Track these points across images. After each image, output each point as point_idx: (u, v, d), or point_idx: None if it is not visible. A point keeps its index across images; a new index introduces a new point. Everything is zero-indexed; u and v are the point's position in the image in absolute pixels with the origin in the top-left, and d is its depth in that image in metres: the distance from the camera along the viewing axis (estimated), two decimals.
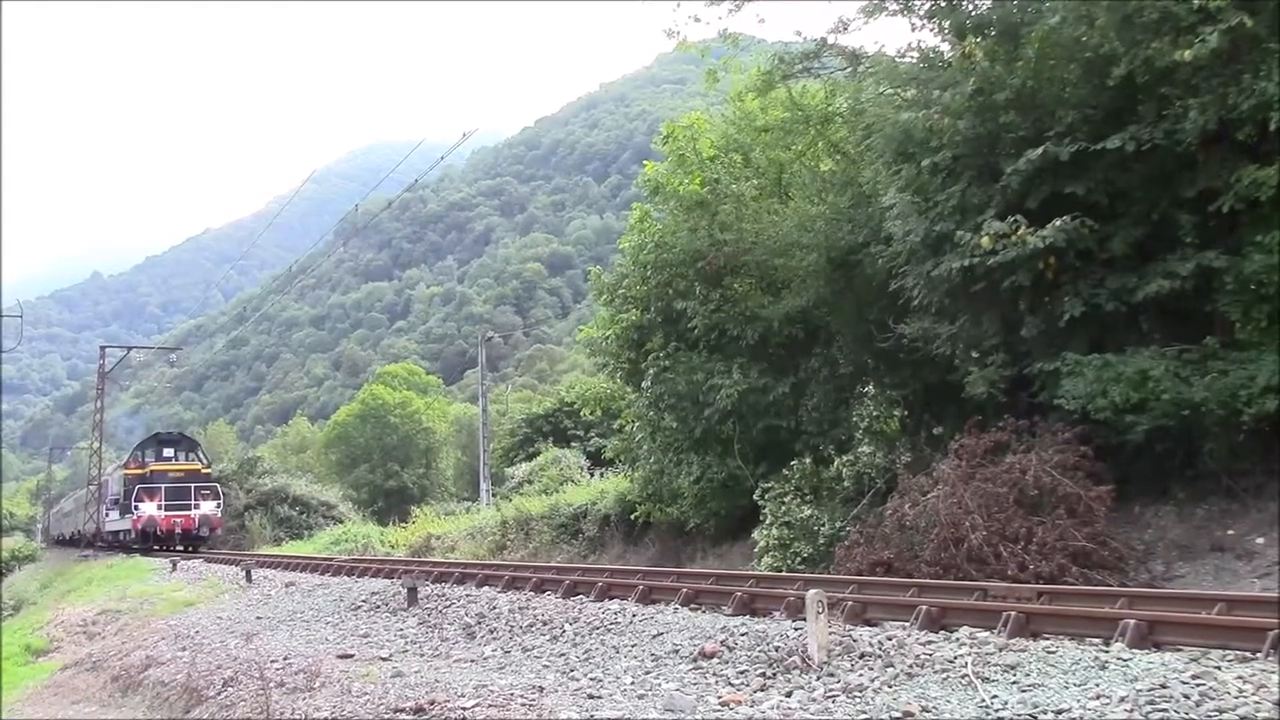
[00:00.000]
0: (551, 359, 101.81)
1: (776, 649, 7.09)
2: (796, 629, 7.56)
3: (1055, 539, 10.42)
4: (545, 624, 9.75)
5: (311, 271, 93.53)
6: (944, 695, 5.61)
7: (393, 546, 33.82)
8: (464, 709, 6.43)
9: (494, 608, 11.04)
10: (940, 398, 14.48)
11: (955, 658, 6.31)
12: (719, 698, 6.15)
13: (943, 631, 7.34)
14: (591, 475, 29.05)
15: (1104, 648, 6.35)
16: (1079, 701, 5.12)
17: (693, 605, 9.89)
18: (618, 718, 5.90)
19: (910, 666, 6.31)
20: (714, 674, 6.88)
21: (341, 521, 44.84)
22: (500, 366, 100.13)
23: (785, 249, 16.41)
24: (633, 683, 6.94)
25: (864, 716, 5.41)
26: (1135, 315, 11.47)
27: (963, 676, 5.93)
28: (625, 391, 21.04)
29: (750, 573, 12.71)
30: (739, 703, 5.98)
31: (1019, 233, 11.16)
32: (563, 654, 8.41)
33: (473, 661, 8.72)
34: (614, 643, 8.42)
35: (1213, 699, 4.96)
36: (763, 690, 6.30)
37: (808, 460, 15.88)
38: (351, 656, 9.35)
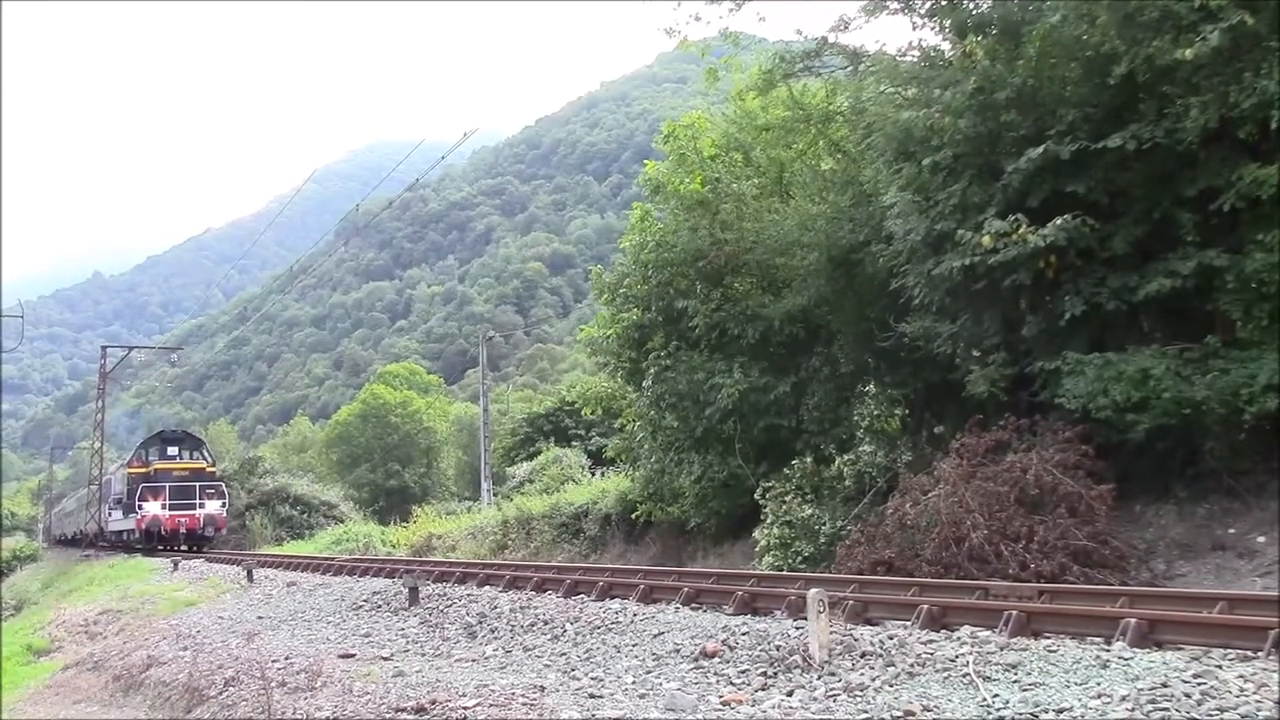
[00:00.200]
0: (552, 358, 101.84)
1: (778, 648, 7.09)
2: (798, 628, 7.56)
3: (1056, 538, 10.42)
4: (546, 623, 9.75)
5: (312, 271, 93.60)
6: (945, 694, 5.61)
7: (394, 546, 33.84)
8: (465, 708, 6.43)
9: (495, 607, 11.04)
10: (941, 397, 14.48)
11: (956, 657, 6.31)
12: (720, 697, 6.15)
13: (944, 630, 7.34)
14: (592, 474, 29.05)
15: (1105, 647, 6.35)
16: (1080, 700, 5.12)
17: (694, 604, 9.90)
18: (619, 717, 5.90)
19: (911, 665, 6.31)
20: (715, 673, 6.88)
21: (342, 521, 44.83)
22: (501, 366, 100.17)
23: (786, 248, 16.42)
24: (634, 682, 6.94)
25: (865, 716, 5.40)
26: (1136, 314, 11.47)
27: (964, 675, 5.93)
28: (626, 391, 21.04)
29: (751, 572, 12.71)
30: (740, 702, 5.98)
31: (1020, 231, 11.16)
32: (564, 653, 8.41)
33: (474, 661, 8.72)
34: (615, 642, 8.42)
35: (1214, 698, 4.96)
36: (764, 689, 6.30)
37: (809, 459, 15.87)
38: (353, 656, 9.36)
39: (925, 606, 7.80)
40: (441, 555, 26.64)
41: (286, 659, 9.57)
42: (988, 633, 6.98)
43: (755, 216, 17.45)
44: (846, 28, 15.17)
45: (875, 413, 15.58)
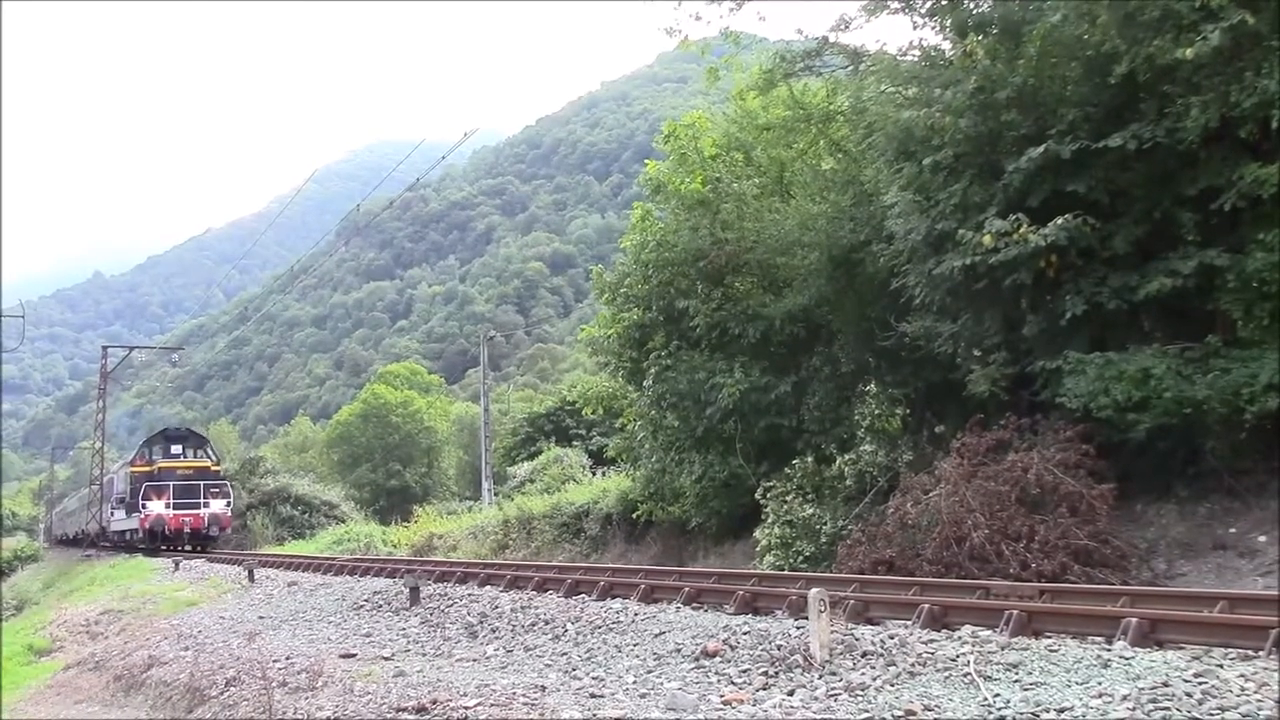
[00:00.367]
0: (553, 358, 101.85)
1: (779, 648, 7.09)
2: (799, 628, 7.56)
3: (1057, 537, 10.41)
4: (547, 623, 9.75)
5: (313, 271, 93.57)
6: (946, 694, 5.61)
7: (395, 546, 33.84)
8: (466, 708, 6.43)
9: (496, 607, 11.05)
10: (942, 396, 14.48)
11: (957, 656, 6.30)
12: (721, 696, 6.15)
13: (945, 630, 7.34)
14: (593, 474, 29.05)
15: (1106, 646, 6.35)
16: (1081, 700, 5.12)
17: (695, 604, 9.90)
18: (620, 717, 5.90)
19: (912, 665, 6.31)
20: (716, 673, 6.88)
21: (343, 521, 44.82)
22: (502, 366, 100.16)
23: (787, 248, 16.42)
24: (635, 682, 6.94)
25: (866, 715, 5.40)
26: (1137, 313, 11.47)
27: (965, 675, 5.93)
28: (627, 390, 21.04)
29: (752, 571, 12.71)
30: (741, 701, 5.98)
31: (1020, 231, 11.16)
32: (565, 653, 8.41)
33: (475, 661, 8.72)
34: (616, 642, 8.42)
35: (1215, 697, 4.96)
36: (765, 689, 6.30)
37: (809, 459, 15.87)
38: (354, 656, 9.37)
39: (926, 606, 7.80)
40: (442, 555, 26.65)
41: (288, 659, 9.58)
42: (989, 632, 6.98)
43: (756, 216, 17.45)
44: (847, 27, 15.18)
45: (876, 412, 15.58)
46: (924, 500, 11.83)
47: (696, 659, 7.36)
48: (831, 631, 6.89)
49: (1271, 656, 5.73)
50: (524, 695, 6.60)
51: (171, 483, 35.45)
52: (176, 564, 26.80)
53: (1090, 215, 11.07)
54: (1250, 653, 5.88)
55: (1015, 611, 7.15)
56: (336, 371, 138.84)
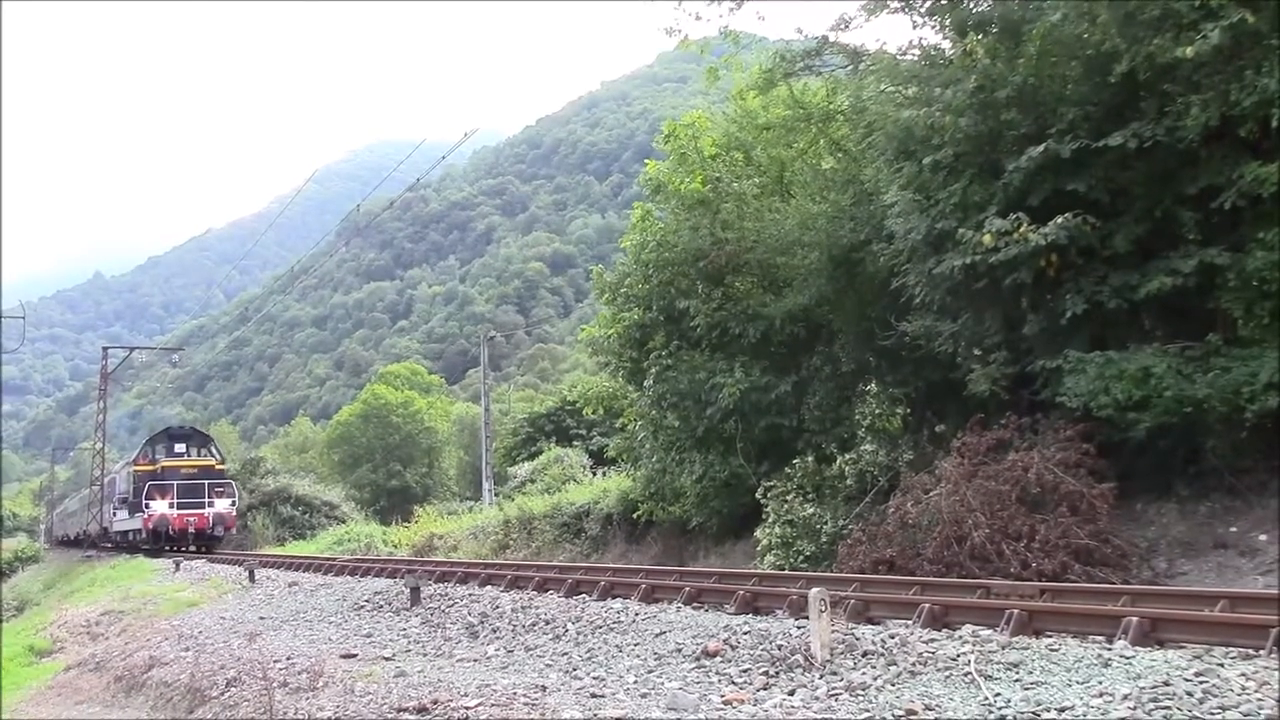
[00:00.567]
0: (553, 358, 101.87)
1: (779, 647, 7.09)
2: (799, 627, 7.56)
3: (1058, 536, 10.41)
4: (548, 623, 9.75)
5: (313, 271, 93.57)
6: (947, 693, 5.61)
7: (395, 546, 33.83)
8: (467, 708, 6.44)
9: (497, 607, 11.05)
10: (942, 395, 14.48)
11: (958, 656, 6.31)
12: (722, 696, 6.16)
13: (945, 629, 7.34)
14: (594, 474, 29.05)
15: (1107, 645, 6.35)
16: (1082, 699, 5.12)
17: (695, 604, 9.90)
18: (620, 717, 5.90)
19: (913, 664, 6.31)
20: (717, 673, 6.88)
21: (344, 521, 44.82)
22: (502, 366, 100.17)
23: (787, 247, 16.41)
24: (636, 682, 6.95)
25: (866, 715, 5.41)
26: (1137, 312, 11.46)
27: (965, 674, 5.93)
28: (627, 390, 21.04)
29: (753, 571, 12.71)
30: (742, 701, 5.99)
31: (1021, 230, 11.15)
32: (565, 653, 8.41)
33: (476, 661, 8.73)
34: (617, 642, 8.42)
35: (1215, 696, 4.96)
36: (765, 689, 6.30)
37: (810, 458, 15.86)
38: (355, 656, 9.37)
39: (927, 605, 7.81)
40: (443, 555, 26.65)
41: (288, 659, 9.58)
42: (989, 631, 6.98)
43: (756, 216, 17.45)
44: (847, 27, 15.17)
45: (876, 412, 15.58)
46: (924, 500, 11.83)
47: (697, 659, 7.36)
48: (832, 631, 6.90)
49: (1272, 655, 5.72)
50: (525, 695, 6.60)
51: (175, 482, 35.11)
52: (177, 564, 26.80)
53: (1090, 214, 11.06)
54: (1251, 652, 5.88)
55: (1016, 611, 7.15)
56: (337, 372, 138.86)
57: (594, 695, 6.56)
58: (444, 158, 28.88)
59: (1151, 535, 11.03)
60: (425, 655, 9.40)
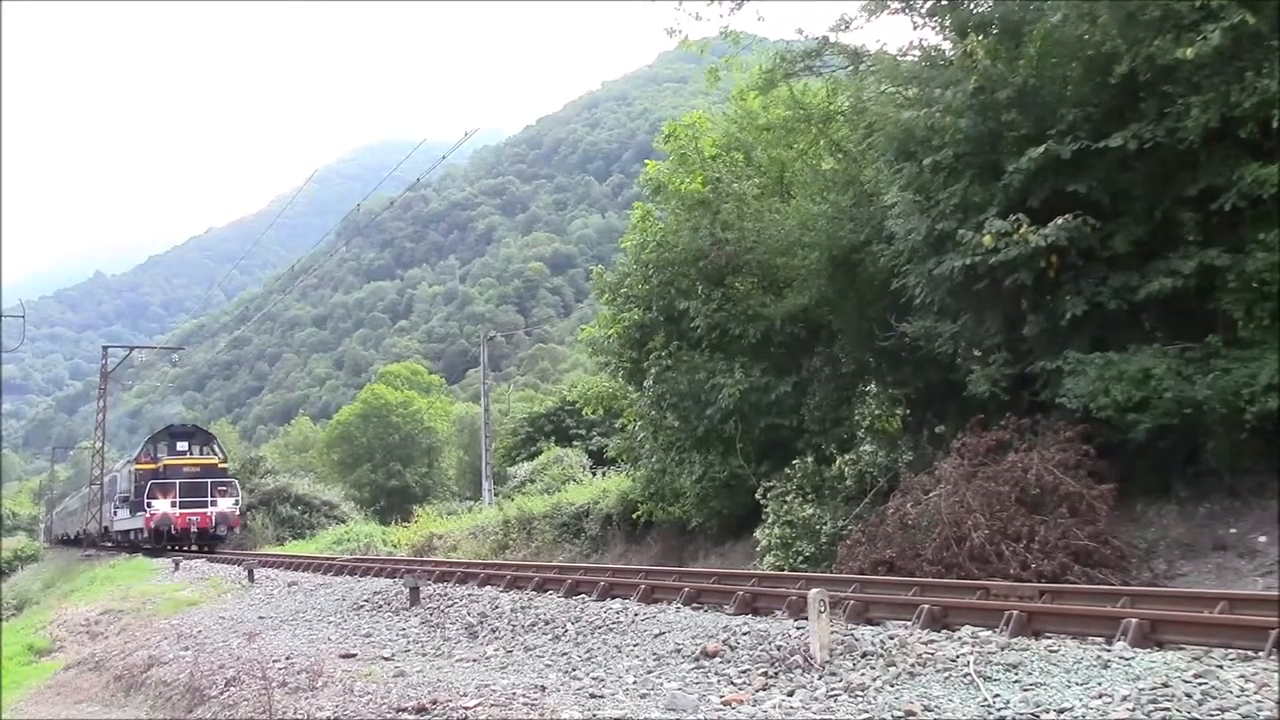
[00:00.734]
0: (553, 358, 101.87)
1: (778, 648, 7.09)
2: (798, 628, 7.56)
3: (1057, 538, 10.41)
4: (547, 623, 9.75)
5: (314, 271, 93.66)
6: (946, 694, 5.61)
7: (395, 546, 33.83)
8: (466, 708, 6.43)
9: (496, 607, 11.05)
10: (942, 396, 14.47)
11: (957, 657, 6.30)
12: (721, 697, 6.15)
13: (945, 630, 7.34)
14: (593, 474, 29.05)
15: (1106, 646, 6.35)
16: (1081, 700, 5.12)
17: (695, 604, 9.90)
18: (620, 717, 5.90)
19: (912, 665, 6.31)
20: (716, 673, 6.88)
21: (344, 521, 44.83)
22: (502, 366, 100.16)
23: (787, 248, 16.41)
24: (635, 682, 6.94)
25: (866, 716, 5.40)
26: (1137, 313, 11.46)
27: (965, 675, 5.93)
28: (627, 390, 21.04)
29: (752, 572, 12.71)
30: (741, 702, 5.98)
31: (1021, 231, 11.16)
32: (565, 653, 8.41)
33: (475, 661, 8.73)
34: (616, 642, 8.42)
35: (1215, 698, 4.96)
36: (765, 689, 6.30)
37: (809, 459, 15.86)
38: (354, 656, 9.36)
39: (926, 606, 7.80)
40: (442, 555, 26.65)
41: (288, 659, 9.58)
42: (989, 633, 6.98)
43: (756, 216, 17.45)
44: (847, 27, 15.16)
45: (876, 412, 15.58)
46: (924, 500, 11.83)
47: (696, 659, 7.36)
48: (831, 632, 6.89)
49: (1271, 657, 5.73)
50: (524, 695, 6.60)
51: (178, 481, 34.76)
52: (176, 564, 26.79)
53: (1091, 215, 11.07)
54: (1250, 653, 5.88)
55: (1015, 612, 7.15)
56: (337, 371, 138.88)
57: (593, 695, 6.56)
58: (444, 157, 28.89)
59: (1151, 536, 11.03)
60: (424, 655, 9.40)
